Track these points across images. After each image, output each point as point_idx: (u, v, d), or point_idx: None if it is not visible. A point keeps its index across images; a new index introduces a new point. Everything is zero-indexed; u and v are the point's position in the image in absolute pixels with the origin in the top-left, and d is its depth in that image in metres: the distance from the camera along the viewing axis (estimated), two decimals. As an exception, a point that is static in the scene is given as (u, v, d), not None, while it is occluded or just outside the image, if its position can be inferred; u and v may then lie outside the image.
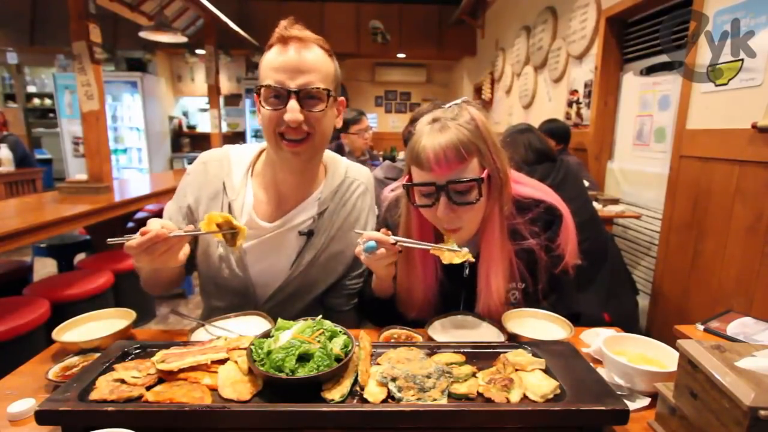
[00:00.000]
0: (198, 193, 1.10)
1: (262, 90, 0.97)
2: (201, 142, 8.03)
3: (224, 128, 5.89)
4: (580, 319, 1.09)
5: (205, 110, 7.72)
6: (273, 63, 0.95)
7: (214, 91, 5.33)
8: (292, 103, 0.94)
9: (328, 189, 1.11)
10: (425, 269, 1.05)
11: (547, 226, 1.04)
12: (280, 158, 1.04)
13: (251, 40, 5.68)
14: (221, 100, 6.32)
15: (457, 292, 1.08)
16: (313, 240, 1.09)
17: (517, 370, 0.75)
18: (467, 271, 1.04)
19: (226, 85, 7.61)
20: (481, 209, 0.97)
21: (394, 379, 0.70)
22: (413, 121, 1.89)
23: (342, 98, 1.07)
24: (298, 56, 0.95)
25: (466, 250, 0.92)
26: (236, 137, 7.76)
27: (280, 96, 0.96)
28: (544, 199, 1.05)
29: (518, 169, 1.11)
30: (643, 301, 2.62)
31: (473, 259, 0.92)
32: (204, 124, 8.18)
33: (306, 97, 0.96)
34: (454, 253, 0.92)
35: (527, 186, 1.08)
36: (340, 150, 2.92)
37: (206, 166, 1.13)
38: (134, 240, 0.83)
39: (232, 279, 1.09)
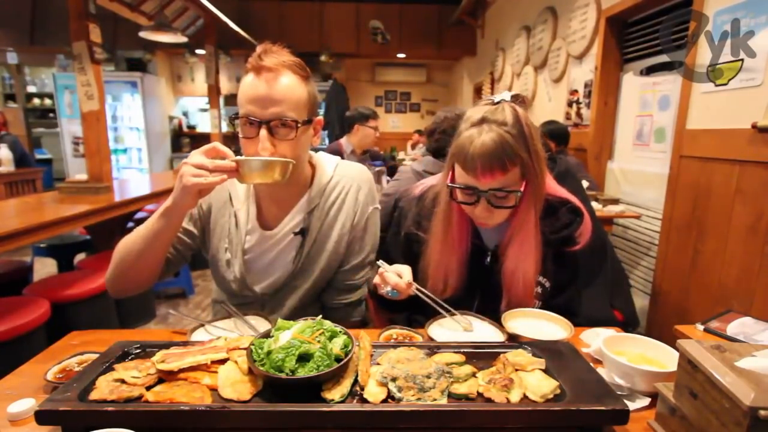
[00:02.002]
0: (209, 200, 1.18)
1: (238, 119, 1.02)
2: (201, 142, 7.92)
3: (224, 128, 5.87)
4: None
5: (205, 110, 7.71)
6: (246, 92, 1.00)
7: (214, 91, 5.33)
8: (263, 133, 0.98)
9: (315, 188, 1.16)
10: (460, 239, 1.10)
11: (569, 224, 1.09)
12: None
13: (251, 40, 5.67)
14: (221, 100, 6.31)
15: (475, 284, 1.12)
16: (308, 237, 1.14)
17: (517, 370, 0.74)
18: (488, 260, 1.11)
19: (226, 85, 7.59)
20: (513, 209, 1.03)
21: (394, 379, 0.70)
22: (431, 133, 1.97)
23: (319, 118, 1.11)
24: (269, 87, 0.98)
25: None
26: (236, 138, 7.72)
27: (252, 125, 1.00)
28: (569, 199, 1.11)
29: None
30: (643, 301, 2.62)
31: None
32: (204, 124, 8.18)
33: (276, 126, 1.00)
34: None
35: (552, 185, 1.13)
36: (338, 153, 2.94)
37: None
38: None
39: (236, 283, 1.16)
